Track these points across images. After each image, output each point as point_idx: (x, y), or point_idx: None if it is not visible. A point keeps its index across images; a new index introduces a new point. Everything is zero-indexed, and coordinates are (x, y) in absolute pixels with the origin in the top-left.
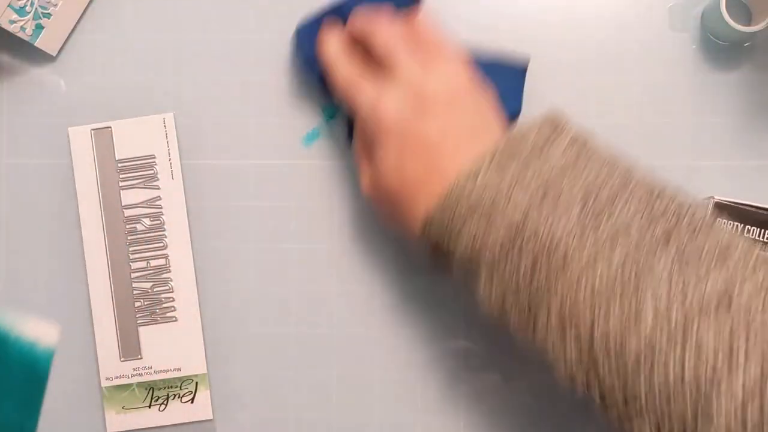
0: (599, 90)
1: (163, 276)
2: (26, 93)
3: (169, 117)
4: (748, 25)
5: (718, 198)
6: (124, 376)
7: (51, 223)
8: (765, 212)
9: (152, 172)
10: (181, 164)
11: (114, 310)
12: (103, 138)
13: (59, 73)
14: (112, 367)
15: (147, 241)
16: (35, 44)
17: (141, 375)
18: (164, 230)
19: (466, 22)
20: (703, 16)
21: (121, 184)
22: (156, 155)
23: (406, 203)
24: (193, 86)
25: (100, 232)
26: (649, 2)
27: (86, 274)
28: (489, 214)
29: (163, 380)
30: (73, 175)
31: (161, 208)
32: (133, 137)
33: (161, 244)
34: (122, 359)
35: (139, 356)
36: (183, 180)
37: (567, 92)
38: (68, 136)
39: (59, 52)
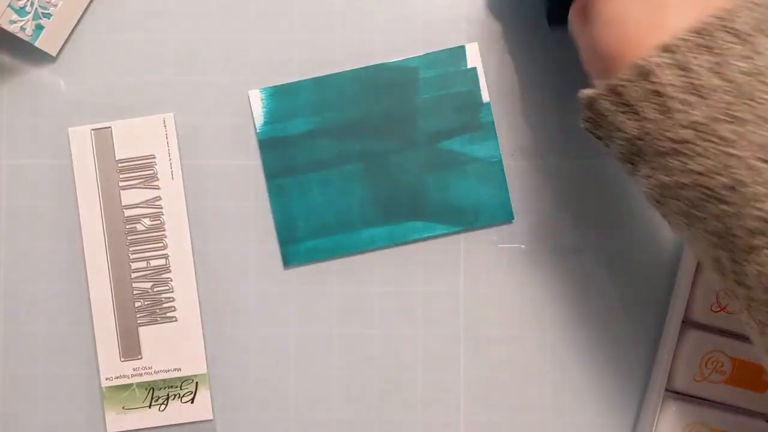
0: None
1: (163, 276)
2: (26, 93)
3: (169, 117)
4: None
5: None
6: (124, 376)
7: (51, 224)
8: None
9: (152, 172)
10: (181, 164)
11: (114, 310)
12: (103, 138)
13: (59, 73)
14: (112, 367)
15: (147, 241)
16: (35, 44)
17: (141, 375)
18: (164, 230)
19: (468, 23)
20: None
21: (121, 184)
22: (156, 155)
23: (619, 54)
24: (193, 86)
25: (100, 233)
26: None
27: (86, 274)
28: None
29: (163, 380)
30: (73, 175)
31: (161, 208)
32: (133, 137)
33: (161, 244)
34: (122, 359)
35: (139, 356)
36: (183, 180)
37: (567, 92)
38: (68, 136)
39: (59, 52)
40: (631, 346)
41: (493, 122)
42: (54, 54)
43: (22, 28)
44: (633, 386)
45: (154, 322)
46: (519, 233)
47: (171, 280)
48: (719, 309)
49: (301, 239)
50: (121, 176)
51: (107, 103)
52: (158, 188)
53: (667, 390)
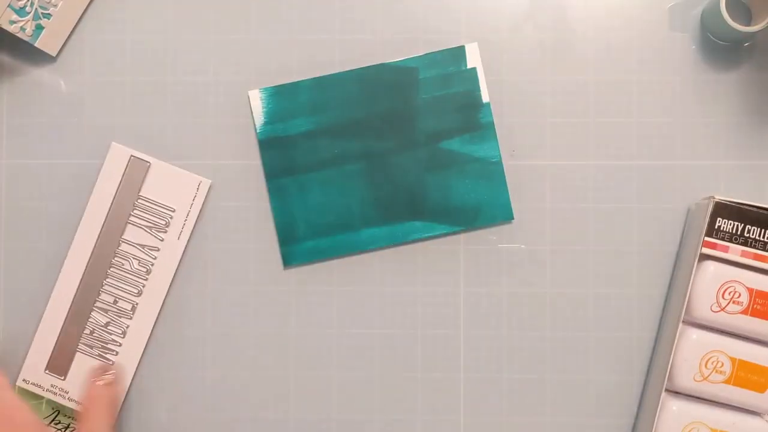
0: (599, 90)
1: (123, 320)
2: (26, 93)
3: (206, 183)
4: (748, 25)
5: (718, 198)
6: (39, 387)
7: (49, 223)
8: (765, 212)
9: (164, 223)
10: (193, 229)
11: (63, 322)
12: (137, 168)
13: (59, 73)
14: (33, 373)
15: (126, 281)
16: (35, 44)
17: (55, 394)
18: (145, 280)
19: (468, 23)
20: (703, 16)
21: (131, 218)
22: (176, 210)
23: None
24: (193, 86)
25: (89, 249)
26: (649, 2)
27: (57, 278)
28: None
29: (73, 411)
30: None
31: (154, 259)
32: (165, 183)
33: (136, 291)
34: (46, 371)
35: (63, 377)
36: (187, 244)
37: (567, 92)
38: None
39: (59, 52)
40: (631, 346)
41: (493, 122)
42: (54, 54)
43: (22, 28)
44: (633, 386)
45: (92, 354)
46: (519, 233)
47: (127, 328)
48: (719, 309)
49: (301, 239)
50: (134, 211)
51: (107, 104)
52: (161, 240)
53: (667, 390)
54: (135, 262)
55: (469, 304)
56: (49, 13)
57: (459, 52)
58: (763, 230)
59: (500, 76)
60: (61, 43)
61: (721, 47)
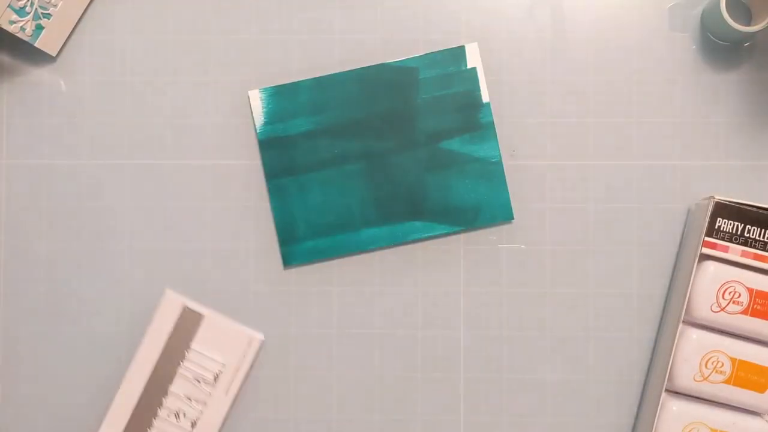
0: (599, 90)
1: None
2: (26, 93)
3: (257, 339)
4: (748, 25)
5: (718, 198)
6: None
7: (49, 223)
8: (765, 212)
9: (212, 377)
10: (241, 383)
11: None
12: (190, 319)
13: (59, 73)
14: None
15: None
16: (35, 44)
17: None
18: None
19: (468, 23)
20: (703, 16)
21: (180, 370)
22: (226, 366)
23: None
24: (193, 86)
25: (136, 398)
26: (649, 2)
27: (99, 428)
28: None
29: None
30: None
31: (201, 413)
32: (216, 336)
33: None
34: None
35: None
36: (234, 401)
37: (567, 92)
38: (164, 297)
39: (59, 52)
40: (631, 346)
41: (493, 122)
42: (54, 54)
43: (22, 28)
44: (633, 386)
45: None
46: (519, 233)
47: None
48: (719, 309)
49: (301, 239)
50: (184, 363)
51: (107, 104)
52: (209, 395)
53: (667, 390)
54: (181, 416)
55: (469, 304)
56: (49, 13)
57: (459, 52)
58: (763, 230)
59: (500, 76)
60: (61, 43)
61: (721, 47)
